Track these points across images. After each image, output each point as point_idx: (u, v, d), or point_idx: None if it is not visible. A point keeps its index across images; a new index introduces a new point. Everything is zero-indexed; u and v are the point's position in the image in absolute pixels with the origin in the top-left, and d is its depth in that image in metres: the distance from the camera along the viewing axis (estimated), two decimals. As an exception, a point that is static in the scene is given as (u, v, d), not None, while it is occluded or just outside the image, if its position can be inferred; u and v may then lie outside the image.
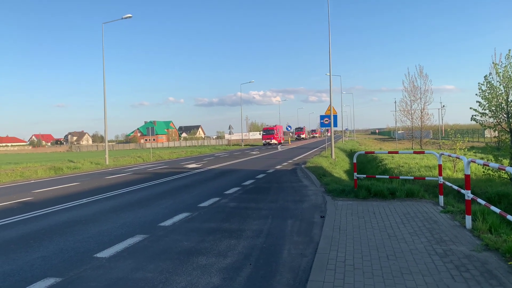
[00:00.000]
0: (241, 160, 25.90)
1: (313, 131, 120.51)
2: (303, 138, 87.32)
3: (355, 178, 9.69)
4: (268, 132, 63.82)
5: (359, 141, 64.99)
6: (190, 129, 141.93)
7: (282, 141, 66.78)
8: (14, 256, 5.61)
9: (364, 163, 24.42)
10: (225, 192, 10.96)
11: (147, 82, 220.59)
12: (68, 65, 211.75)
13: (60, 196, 11.63)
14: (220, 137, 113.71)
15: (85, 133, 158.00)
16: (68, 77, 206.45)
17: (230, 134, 59.58)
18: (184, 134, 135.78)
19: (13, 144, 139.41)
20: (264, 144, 61.38)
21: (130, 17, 26.84)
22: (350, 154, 32.11)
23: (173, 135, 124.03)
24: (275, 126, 66.07)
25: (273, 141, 61.92)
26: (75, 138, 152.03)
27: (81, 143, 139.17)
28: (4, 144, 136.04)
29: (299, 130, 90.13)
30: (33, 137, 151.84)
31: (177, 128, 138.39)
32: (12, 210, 9.49)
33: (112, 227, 7.28)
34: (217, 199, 9.90)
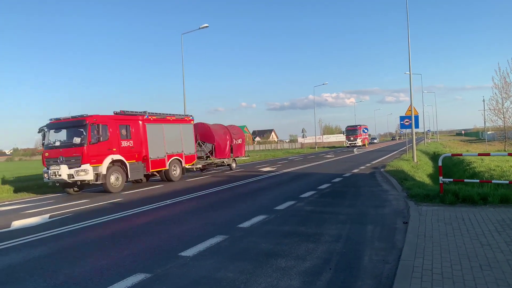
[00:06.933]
0: (315, 163, 25.64)
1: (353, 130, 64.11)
2: (359, 145, 57.45)
3: (440, 182, 9.09)
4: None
5: (443, 143, 60.83)
6: (263, 133, 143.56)
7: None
8: (109, 252, 6.11)
9: (449, 167, 22.82)
10: (301, 196, 10.91)
11: (220, 88, 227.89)
12: (152, 75, 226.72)
13: (145, 198, 12.45)
14: (293, 140, 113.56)
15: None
16: (151, 86, 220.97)
17: (303, 137, 59.43)
18: (257, 138, 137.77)
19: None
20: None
21: (206, 26, 27.96)
22: (433, 157, 30.22)
23: (247, 139, 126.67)
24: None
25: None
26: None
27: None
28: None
29: (352, 132, 59.41)
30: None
31: (251, 132, 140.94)
32: (106, 210, 10.36)
33: (194, 227, 7.62)
34: (292, 202, 9.90)
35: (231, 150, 22.78)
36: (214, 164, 21.90)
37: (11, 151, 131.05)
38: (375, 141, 77.54)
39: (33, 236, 7.52)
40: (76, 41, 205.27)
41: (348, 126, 62.29)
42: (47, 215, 9.88)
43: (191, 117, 19.83)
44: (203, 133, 21.34)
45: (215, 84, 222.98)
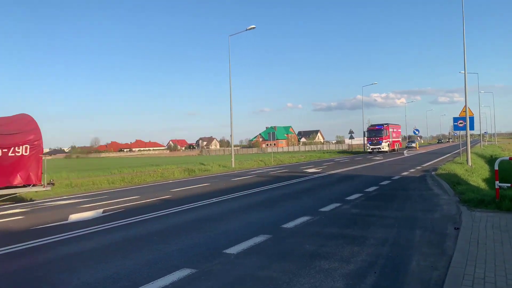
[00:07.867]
0: (363, 165, 25.06)
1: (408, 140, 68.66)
2: (385, 150, 45.48)
3: (496, 187, 8.60)
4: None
5: (501, 145, 57.35)
6: (309, 134, 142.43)
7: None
8: (157, 247, 6.35)
9: (508, 171, 21.42)
10: (347, 198, 10.73)
11: (266, 89, 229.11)
12: (199, 76, 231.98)
13: (193, 195, 12.79)
14: (339, 141, 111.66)
15: (214, 138, 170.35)
16: (198, 87, 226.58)
17: (350, 138, 58.15)
18: (303, 139, 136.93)
19: (154, 148, 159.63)
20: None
21: (253, 28, 28.24)
22: (490, 160, 28.56)
23: (293, 140, 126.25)
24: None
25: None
26: (205, 143, 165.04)
27: (210, 147, 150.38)
28: (147, 148, 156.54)
29: (376, 133, 45.81)
30: (170, 142, 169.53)
31: (296, 133, 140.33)
32: (155, 206, 10.76)
33: (239, 225, 7.74)
34: (338, 204, 9.76)
35: None
36: None
37: (69, 148, 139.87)
38: (413, 144, 60.27)
39: (88, 229, 7.97)
40: (119, 45, 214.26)
41: (370, 126, 48.17)
42: (101, 210, 10.43)
43: None
44: None
45: (260, 85, 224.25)
